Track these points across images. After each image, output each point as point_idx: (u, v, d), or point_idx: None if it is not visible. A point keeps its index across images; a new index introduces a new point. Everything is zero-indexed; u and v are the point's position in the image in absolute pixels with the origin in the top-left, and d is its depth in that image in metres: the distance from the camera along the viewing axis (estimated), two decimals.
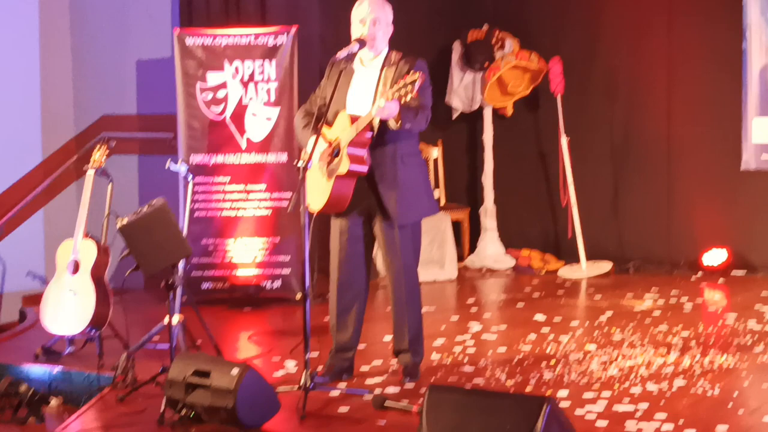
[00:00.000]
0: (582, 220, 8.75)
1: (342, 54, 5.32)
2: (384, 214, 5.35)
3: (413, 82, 4.90)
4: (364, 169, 5.23)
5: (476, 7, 9.61)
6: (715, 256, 8.55)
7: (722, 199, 8.63)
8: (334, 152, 5.27)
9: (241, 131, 7.76)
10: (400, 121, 5.09)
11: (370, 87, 5.35)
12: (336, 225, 5.50)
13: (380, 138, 5.26)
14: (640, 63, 8.90)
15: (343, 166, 5.20)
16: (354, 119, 5.21)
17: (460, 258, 9.13)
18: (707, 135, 8.64)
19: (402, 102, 5.00)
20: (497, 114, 9.38)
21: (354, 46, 5.31)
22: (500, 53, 9.06)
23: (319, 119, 5.33)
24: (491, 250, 9.20)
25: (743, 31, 8.41)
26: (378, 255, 6.02)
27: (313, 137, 5.26)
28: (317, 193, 5.35)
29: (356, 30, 5.36)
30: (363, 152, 5.22)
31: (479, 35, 9.18)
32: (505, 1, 9.63)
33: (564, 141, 8.75)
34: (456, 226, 9.05)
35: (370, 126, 5.19)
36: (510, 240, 9.32)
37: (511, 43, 9.12)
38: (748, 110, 8.44)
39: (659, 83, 8.81)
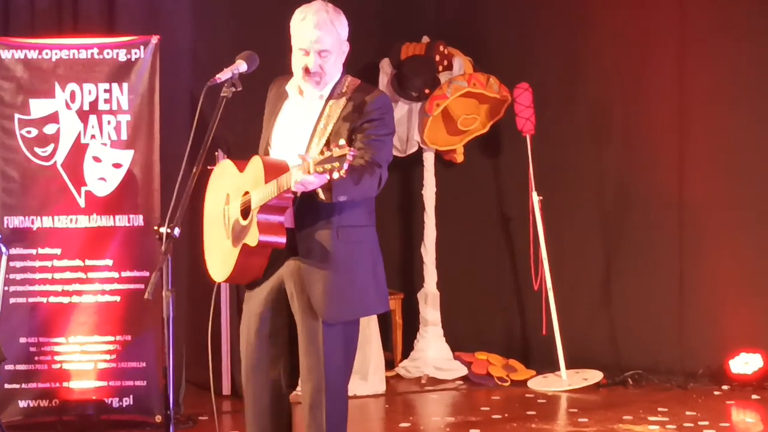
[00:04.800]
0: (561, 311, 8.80)
1: (224, 75, 5.27)
2: (305, 303, 5.25)
3: (342, 158, 4.85)
4: (280, 240, 5.19)
5: (413, 15, 9.68)
6: (745, 364, 8.62)
7: (754, 286, 8.71)
8: (244, 210, 5.27)
9: (79, 183, 7.71)
10: (330, 192, 5.03)
11: (306, 123, 5.32)
12: (247, 314, 5.41)
13: (311, 197, 5.16)
14: (641, 94, 9.04)
15: (251, 236, 5.16)
16: (270, 170, 5.19)
17: (390, 365, 9.15)
18: (733, 196, 8.76)
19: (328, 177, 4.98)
20: (442, 160, 9.47)
21: (240, 65, 5.27)
22: (446, 76, 9.13)
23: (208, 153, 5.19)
24: (433, 353, 9.23)
25: None
26: None
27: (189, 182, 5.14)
28: (219, 257, 5.33)
29: (297, 59, 5.30)
30: (280, 218, 5.19)
31: (417, 50, 9.25)
32: (453, 8, 9.72)
33: (535, 199, 8.84)
34: (383, 319, 9.03)
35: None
36: (460, 339, 9.36)
37: (461, 63, 9.20)
38: None
39: (668, 122, 8.93)
